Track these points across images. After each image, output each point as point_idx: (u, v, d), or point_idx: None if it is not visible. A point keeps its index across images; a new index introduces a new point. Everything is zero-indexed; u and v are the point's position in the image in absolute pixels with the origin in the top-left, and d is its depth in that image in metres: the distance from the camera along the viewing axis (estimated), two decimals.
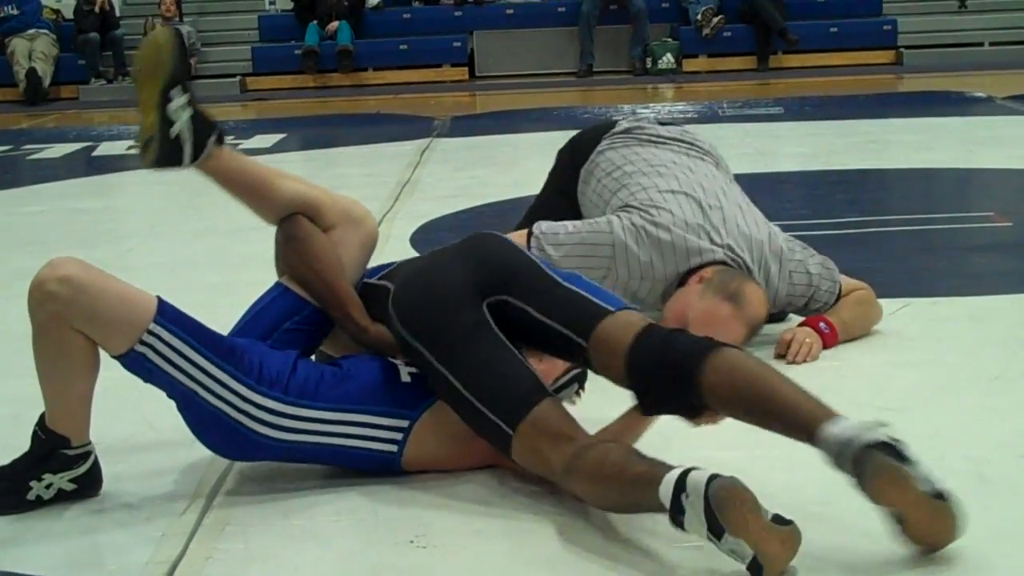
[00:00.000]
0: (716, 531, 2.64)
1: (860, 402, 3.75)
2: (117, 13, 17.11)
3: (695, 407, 3.02)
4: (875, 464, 2.70)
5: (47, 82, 16.45)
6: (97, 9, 16.61)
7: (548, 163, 5.01)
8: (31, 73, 16.21)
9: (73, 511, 3.29)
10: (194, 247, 6.70)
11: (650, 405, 3.12)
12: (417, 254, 4.75)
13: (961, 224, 6.34)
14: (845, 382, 3.99)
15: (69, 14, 17.06)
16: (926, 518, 2.75)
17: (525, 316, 3.23)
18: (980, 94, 12.58)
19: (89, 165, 10.88)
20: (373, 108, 14.39)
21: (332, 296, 3.49)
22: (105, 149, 11.69)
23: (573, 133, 4.97)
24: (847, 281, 4.47)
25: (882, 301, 4.91)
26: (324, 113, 14.08)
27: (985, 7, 17.05)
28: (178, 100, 3.35)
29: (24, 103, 16.17)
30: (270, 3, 17.46)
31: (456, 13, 17.21)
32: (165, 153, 3.40)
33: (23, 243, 7.19)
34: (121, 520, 3.23)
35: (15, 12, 16.70)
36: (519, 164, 9.47)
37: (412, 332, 3.26)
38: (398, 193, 7.99)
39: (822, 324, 4.37)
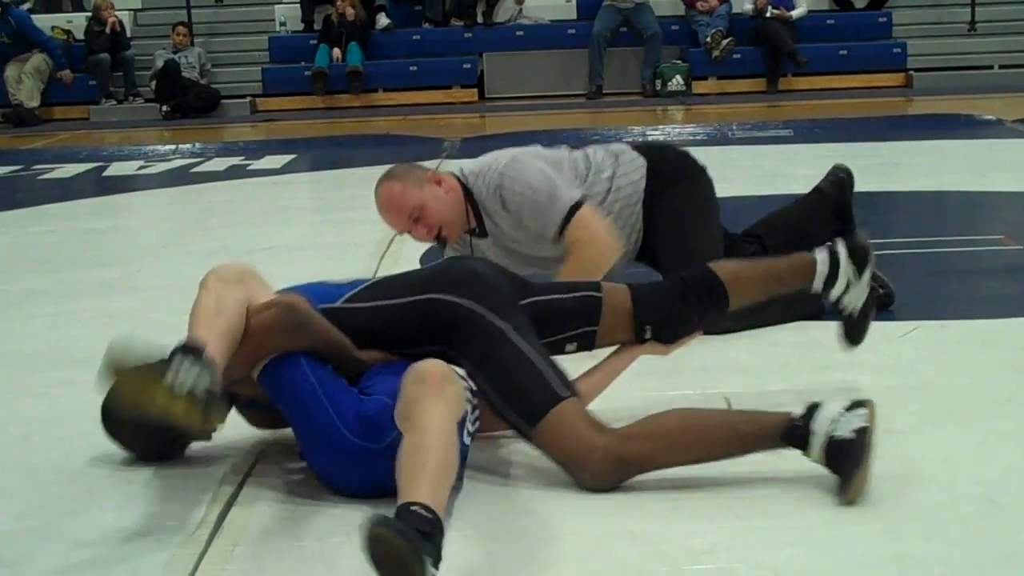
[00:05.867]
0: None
1: None
2: (128, 34, 17.13)
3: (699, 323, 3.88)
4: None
5: (37, 102, 16.54)
6: (108, 30, 16.64)
7: None
8: (18, 104, 16.37)
9: (83, 533, 3.29)
10: (203, 267, 6.62)
11: (663, 329, 3.83)
12: None
13: (971, 247, 6.34)
14: None
15: (80, 35, 17.09)
16: None
17: (543, 303, 3.71)
18: (989, 117, 12.56)
19: (99, 185, 10.89)
20: (383, 129, 14.40)
21: (333, 350, 3.53)
22: (115, 169, 11.71)
23: None
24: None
25: (892, 324, 4.91)
26: (334, 134, 14.09)
27: (994, 30, 17.02)
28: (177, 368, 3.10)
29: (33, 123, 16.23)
30: (280, 24, 17.47)
31: (466, 35, 17.22)
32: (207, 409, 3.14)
33: (32, 263, 7.21)
34: (131, 541, 3.23)
35: (6, 40, 16.71)
36: None
37: (488, 307, 3.53)
38: None
39: None
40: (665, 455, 3.33)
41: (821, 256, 3.91)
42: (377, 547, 2.70)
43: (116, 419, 3.67)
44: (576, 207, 4.64)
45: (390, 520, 2.74)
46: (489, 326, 3.50)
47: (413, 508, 2.83)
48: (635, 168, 4.98)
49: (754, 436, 3.31)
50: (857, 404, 3.29)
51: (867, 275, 3.94)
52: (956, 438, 3.71)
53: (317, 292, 3.68)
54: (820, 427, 3.24)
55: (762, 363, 4.52)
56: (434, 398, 3.13)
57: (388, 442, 3.28)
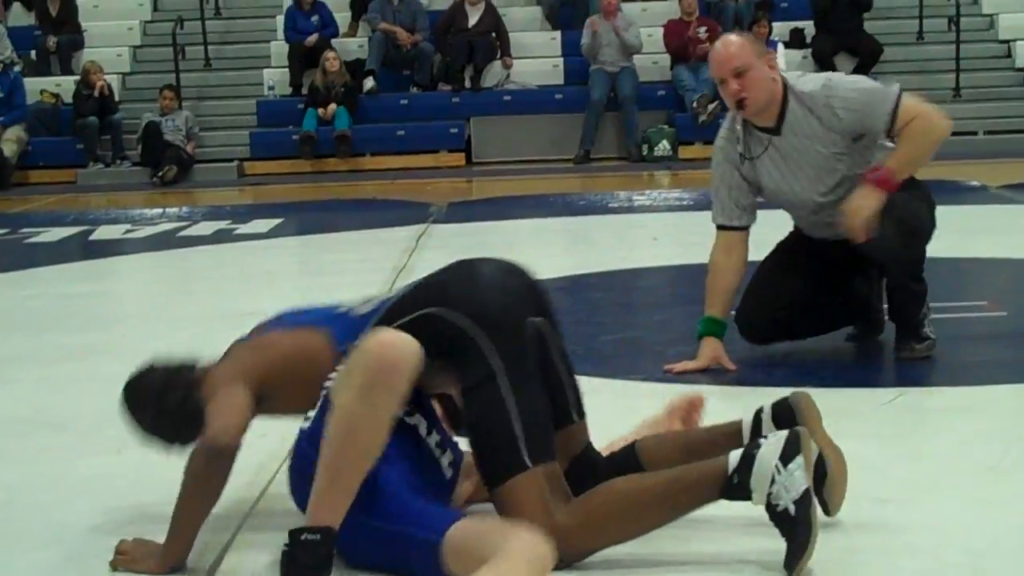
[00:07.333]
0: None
1: (855, 493, 3.72)
2: (116, 98, 17.18)
3: None
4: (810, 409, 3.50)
5: (13, 161, 16.63)
6: (96, 93, 16.69)
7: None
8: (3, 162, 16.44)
9: None
10: (186, 332, 6.68)
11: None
12: None
13: (955, 313, 6.34)
14: None
15: (68, 98, 17.14)
16: (835, 455, 3.48)
17: (547, 351, 3.44)
18: (974, 183, 12.59)
19: (85, 249, 10.88)
20: (370, 193, 14.41)
21: None
22: (102, 233, 11.71)
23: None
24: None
25: (876, 391, 4.90)
26: (321, 198, 14.11)
27: (979, 96, 17.14)
28: None
29: (20, 185, 16.27)
30: (268, 88, 17.54)
31: (453, 99, 17.29)
32: None
33: (15, 328, 7.18)
34: None
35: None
36: (515, 250, 9.35)
37: (487, 328, 3.33)
38: (394, 279, 8.00)
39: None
40: (605, 541, 3.24)
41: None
42: None
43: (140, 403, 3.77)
44: (900, 95, 5.09)
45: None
46: (480, 359, 3.29)
47: (304, 538, 2.92)
48: None
49: (691, 504, 3.23)
50: (791, 445, 3.14)
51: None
52: (941, 506, 3.69)
53: (339, 325, 3.64)
54: (758, 484, 3.13)
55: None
56: (365, 374, 3.05)
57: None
